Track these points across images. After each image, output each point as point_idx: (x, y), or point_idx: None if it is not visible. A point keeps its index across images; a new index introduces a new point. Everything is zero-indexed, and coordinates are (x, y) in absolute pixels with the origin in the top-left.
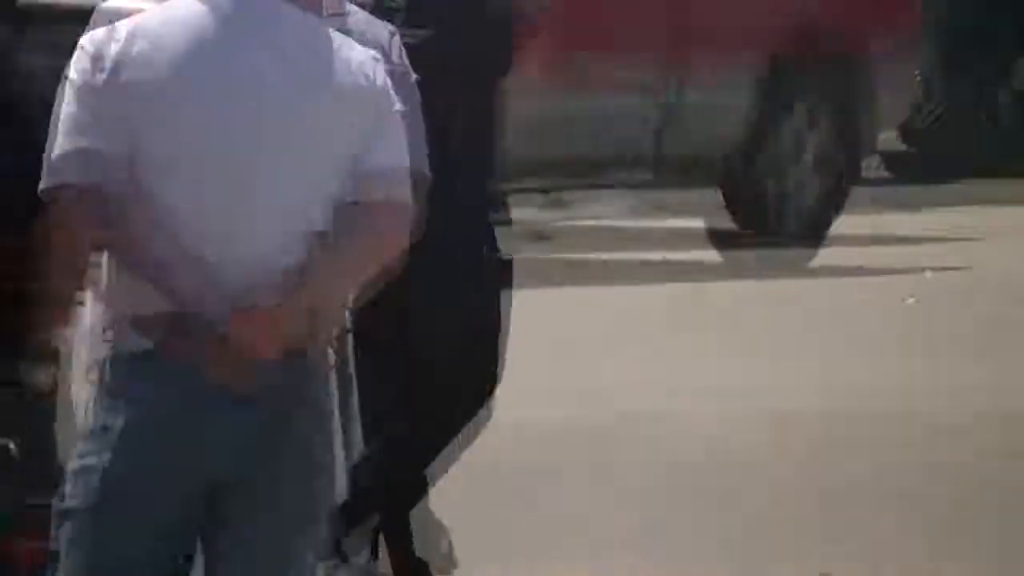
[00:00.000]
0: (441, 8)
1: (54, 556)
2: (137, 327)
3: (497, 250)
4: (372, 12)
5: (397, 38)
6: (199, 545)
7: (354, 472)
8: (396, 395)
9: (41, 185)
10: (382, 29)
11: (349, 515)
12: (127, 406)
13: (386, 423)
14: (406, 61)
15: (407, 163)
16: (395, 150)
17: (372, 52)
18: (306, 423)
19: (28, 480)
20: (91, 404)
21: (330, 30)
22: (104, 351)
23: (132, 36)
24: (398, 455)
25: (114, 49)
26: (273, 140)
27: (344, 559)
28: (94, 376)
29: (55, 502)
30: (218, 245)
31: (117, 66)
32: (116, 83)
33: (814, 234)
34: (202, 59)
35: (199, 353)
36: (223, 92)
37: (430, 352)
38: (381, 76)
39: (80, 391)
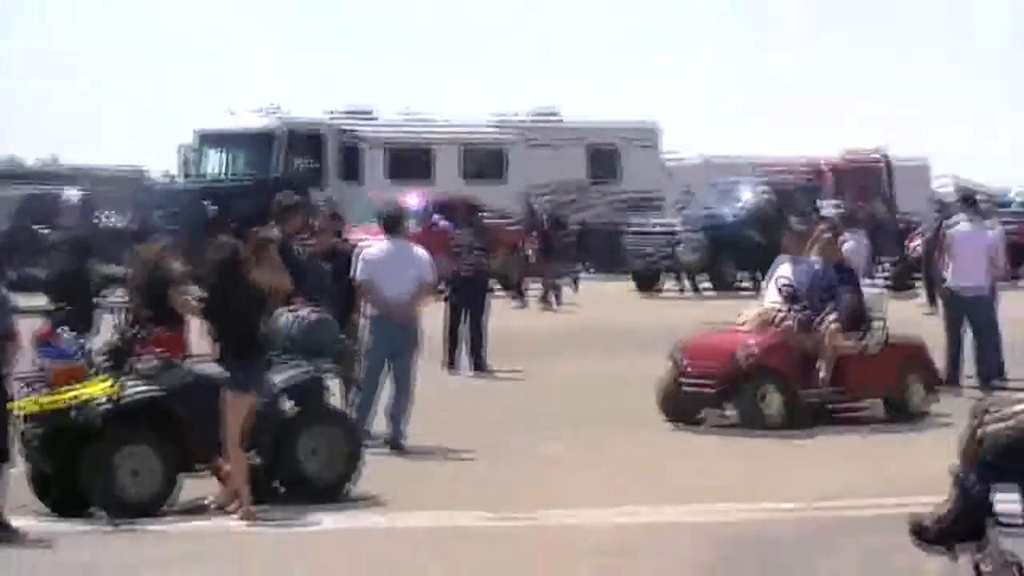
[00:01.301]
0: None
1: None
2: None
3: None
4: None
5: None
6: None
7: None
8: None
9: (354, 277)
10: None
11: None
12: (374, 327)
13: None
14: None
15: (432, 278)
16: (430, 274)
17: (425, 254)
18: (413, 333)
19: None
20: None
21: (416, 247)
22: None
23: (367, 252)
24: None
25: (363, 254)
26: (406, 268)
27: None
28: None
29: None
30: (393, 289)
31: (365, 254)
32: (365, 260)
33: None
34: (386, 254)
35: (390, 315)
36: (392, 260)
37: None
38: (425, 256)
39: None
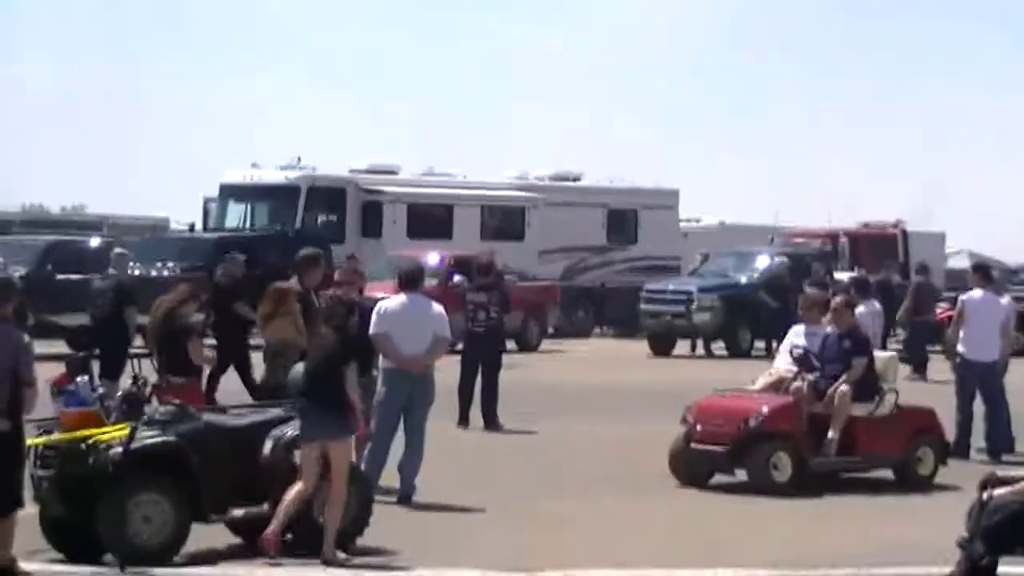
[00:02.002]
0: None
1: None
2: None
3: None
4: None
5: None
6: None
7: None
8: None
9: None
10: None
11: None
12: (389, 381)
13: None
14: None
15: (447, 333)
16: (445, 328)
17: (442, 310)
18: (426, 388)
19: None
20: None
21: (433, 302)
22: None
23: (384, 306)
24: None
25: (380, 307)
26: (422, 324)
27: None
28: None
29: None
30: (409, 344)
31: (382, 308)
32: (382, 313)
33: None
34: (403, 308)
35: (405, 369)
36: (408, 315)
37: None
38: (441, 311)
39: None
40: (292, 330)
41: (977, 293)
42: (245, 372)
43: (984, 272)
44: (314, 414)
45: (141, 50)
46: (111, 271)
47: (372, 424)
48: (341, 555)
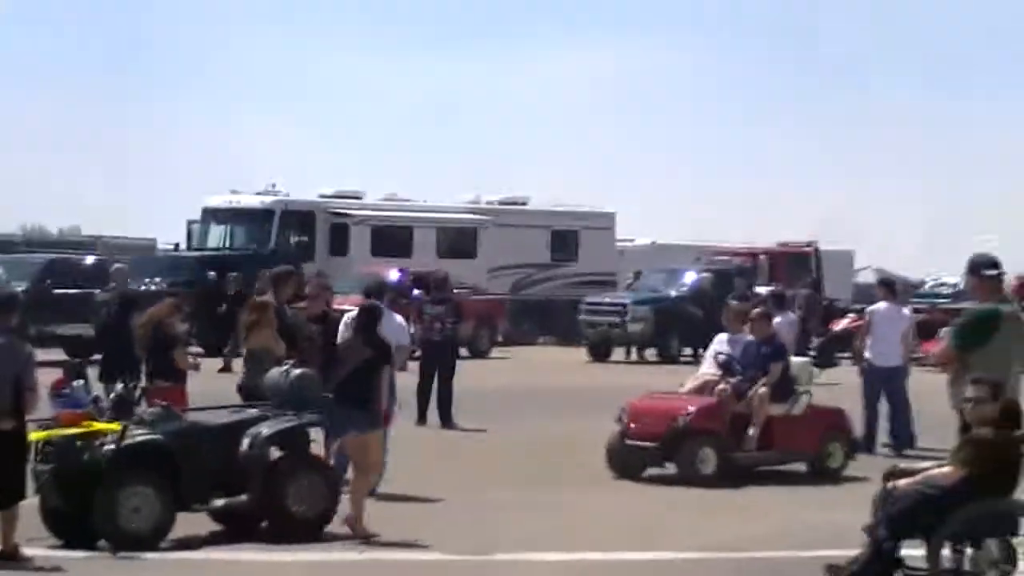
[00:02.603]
0: None
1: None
2: None
3: None
4: None
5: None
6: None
7: None
8: None
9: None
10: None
11: None
12: None
13: None
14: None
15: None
16: (405, 337)
17: (402, 320)
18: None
19: None
20: None
21: (394, 314)
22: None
23: (350, 317)
24: None
25: (347, 319)
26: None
27: None
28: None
29: None
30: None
31: (347, 319)
32: (348, 324)
33: None
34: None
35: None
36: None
37: None
38: (401, 322)
39: None
40: (271, 339)
41: (882, 305)
42: None
43: (889, 286)
44: (347, 412)
45: (130, 82)
46: (112, 285)
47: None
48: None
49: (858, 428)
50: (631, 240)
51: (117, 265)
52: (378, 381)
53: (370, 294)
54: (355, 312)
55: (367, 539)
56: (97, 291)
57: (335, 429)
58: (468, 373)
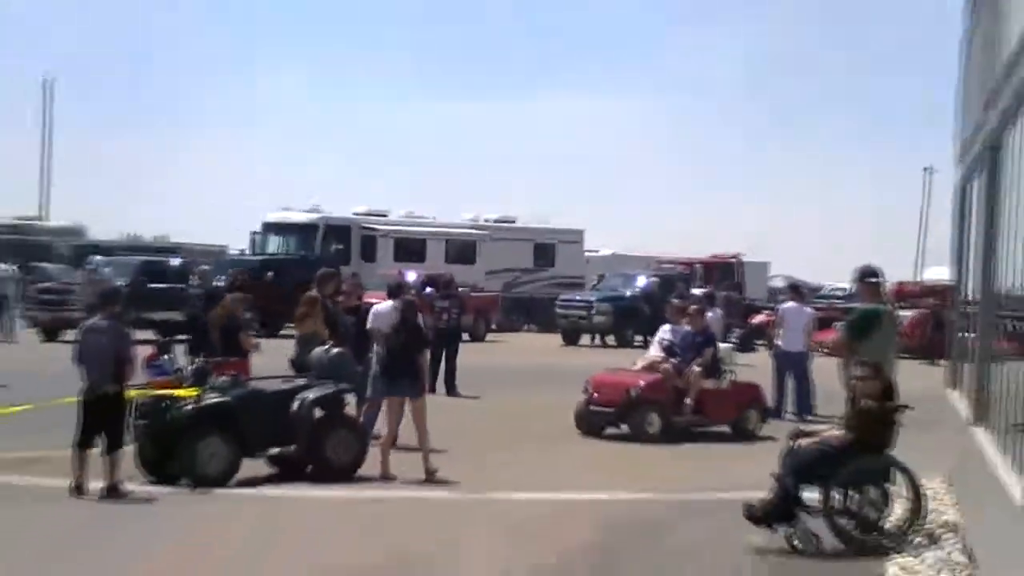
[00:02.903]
0: None
1: None
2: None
3: None
4: None
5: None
6: None
7: None
8: None
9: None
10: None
11: None
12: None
13: None
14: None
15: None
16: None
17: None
18: None
19: None
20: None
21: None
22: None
23: (376, 308)
24: None
25: (374, 310)
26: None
27: None
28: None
29: None
30: None
31: (375, 310)
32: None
33: None
34: (389, 310)
35: None
36: (392, 315)
37: None
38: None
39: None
40: (318, 326)
41: (790, 304)
42: None
43: (795, 290)
44: (400, 381)
45: (204, 120)
46: (198, 281)
47: (368, 387)
48: (434, 467)
49: (770, 399)
50: (596, 251)
51: (203, 267)
52: (421, 360)
53: (392, 291)
54: (395, 305)
55: (431, 475)
56: (181, 286)
57: (389, 391)
58: (468, 354)
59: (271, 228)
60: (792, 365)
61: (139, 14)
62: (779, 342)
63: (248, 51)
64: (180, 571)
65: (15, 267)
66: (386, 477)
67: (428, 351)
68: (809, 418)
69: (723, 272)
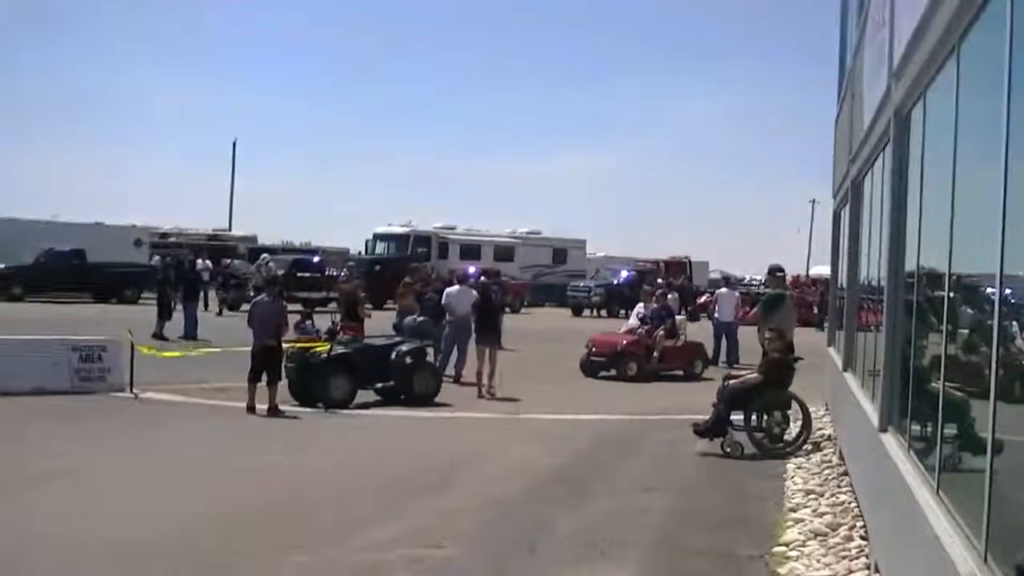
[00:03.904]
0: None
1: None
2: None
3: None
4: None
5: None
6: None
7: None
8: None
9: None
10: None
11: None
12: (450, 326)
13: None
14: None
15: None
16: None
17: (475, 293)
18: (468, 330)
19: None
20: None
21: (471, 290)
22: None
23: (448, 291)
24: None
25: (447, 292)
26: (466, 299)
27: None
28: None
29: None
30: (460, 309)
31: (448, 291)
32: (448, 294)
33: None
34: (457, 292)
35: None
36: (459, 295)
37: None
38: (474, 294)
39: None
40: (412, 302)
41: (723, 290)
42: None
43: (727, 281)
44: (487, 334)
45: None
46: (344, 272)
47: (442, 343)
48: (495, 390)
49: (710, 353)
50: (594, 253)
51: (350, 263)
52: (497, 322)
53: (458, 279)
54: (467, 287)
55: (493, 394)
56: (318, 274)
57: (479, 340)
58: (508, 322)
59: (379, 237)
60: (724, 330)
61: (305, 78)
62: (716, 315)
63: (379, 127)
64: (318, 457)
65: (209, 262)
66: (481, 396)
67: (502, 316)
68: (736, 366)
69: (678, 268)
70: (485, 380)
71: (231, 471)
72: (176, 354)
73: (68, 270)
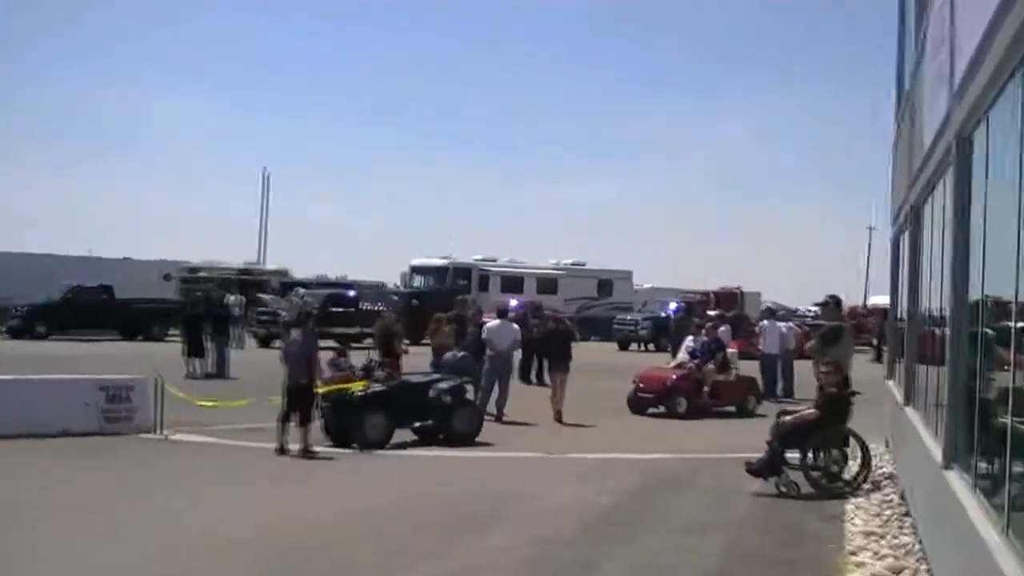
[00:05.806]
0: None
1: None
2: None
3: None
4: None
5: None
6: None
7: None
8: None
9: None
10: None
11: None
12: (490, 362)
13: None
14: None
15: (519, 339)
16: (518, 336)
17: (517, 327)
18: (510, 366)
19: None
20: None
21: (513, 324)
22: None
23: (488, 325)
24: None
25: (487, 325)
26: (507, 334)
27: None
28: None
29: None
30: (501, 344)
31: (488, 326)
32: (488, 328)
33: None
34: (498, 326)
35: (500, 354)
36: (500, 329)
37: None
38: (517, 328)
39: None
40: (444, 337)
41: (765, 322)
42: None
43: (770, 312)
44: (559, 362)
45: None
46: (381, 306)
47: (483, 381)
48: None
49: (762, 388)
50: (641, 285)
51: (392, 296)
52: (567, 350)
53: (499, 312)
54: (513, 323)
55: (559, 418)
56: (352, 308)
57: (552, 368)
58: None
59: (416, 270)
60: (770, 363)
61: (336, 109)
62: (761, 347)
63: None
64: (357, 495)
65: (242, 297)
66: (559, 421)
67: (572, 343)
68: (790, 401)
69: (730, 300)
70: (559, 405)
71: (263, 510)
72: (213, 403)
73: (95, 306)
